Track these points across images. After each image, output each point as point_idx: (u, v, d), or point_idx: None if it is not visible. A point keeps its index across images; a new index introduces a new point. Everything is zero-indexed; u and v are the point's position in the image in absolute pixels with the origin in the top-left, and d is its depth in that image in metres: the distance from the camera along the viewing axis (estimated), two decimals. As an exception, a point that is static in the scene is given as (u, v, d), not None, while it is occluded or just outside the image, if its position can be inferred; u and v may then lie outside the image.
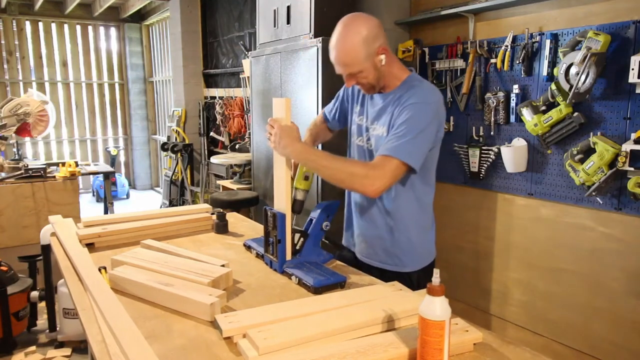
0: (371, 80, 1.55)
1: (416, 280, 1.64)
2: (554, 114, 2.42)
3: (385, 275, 1.61)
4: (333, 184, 1.49)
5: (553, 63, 2.46)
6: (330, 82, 2.82)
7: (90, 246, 1.79)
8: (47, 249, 2.77)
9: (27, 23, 7.25)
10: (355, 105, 1.75)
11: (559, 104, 2.40)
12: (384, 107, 1.60)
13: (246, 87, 4.69)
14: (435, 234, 1.75)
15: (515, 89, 2.64)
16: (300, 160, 1.51)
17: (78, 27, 7.69)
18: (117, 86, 8.13)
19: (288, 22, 3.19)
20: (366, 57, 1.49)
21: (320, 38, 2.81)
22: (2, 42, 7.05)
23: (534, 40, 2.55)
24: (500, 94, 2.72)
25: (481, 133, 2.89)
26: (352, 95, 1.78)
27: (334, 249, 1.72)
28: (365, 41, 1.48)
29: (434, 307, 0.94)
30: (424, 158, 1.51)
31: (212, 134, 5.70)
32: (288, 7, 3.17)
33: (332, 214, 1.61)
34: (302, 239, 1.58)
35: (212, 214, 2.11)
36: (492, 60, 2.76)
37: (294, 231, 1.56)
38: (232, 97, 5.26)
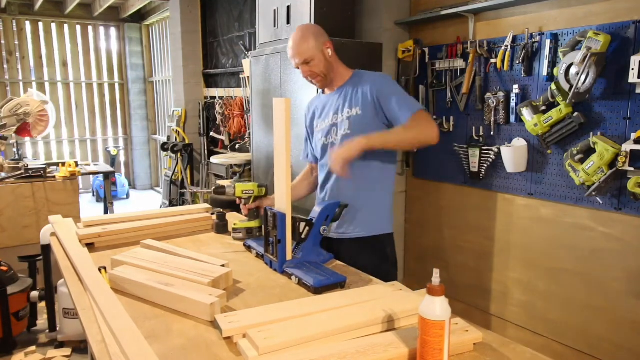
0: (322, 69, 1.84)
1: (388, 247, 1.90)
2: (554, 114, 2.42)
3: (360, 243, 1.85)
4: (405, 150, 1.84)
5: (553, 63, 2.46)
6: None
7: (90, 246, 1.79)
8: (47, 249, 2.77)
9: (27, 23, 7.25)
10: (316, 121, 1.99)
11: (559, 104, 2.40)
12: (344, 96, 1.86)
13: (246, 87, 4.69)
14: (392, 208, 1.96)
15: (515, 89, 2.64)
16: (374, 145, 1.67)
17: (78, 27, 7.69)
18: (117, 86, 8.13)
19: (288, 22, 3.19)
20: (316, 46, 1.82)
21: (320, 38, 2.81)
22: (2, 42, 7.05)
23: (534, 40, 2.55)
24: (500, 94, 2.72)
25: (481, 133, 2.89)
26: (311, 119, 2.04)
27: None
28: (314, 34, 1.83)
29: (434, 307, 0.94)
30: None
31: (212, 134, 5.70)
32: (288, 7, 3.17)
33: (332, 214, 1.61)
34: (307, 228, 1.58)
35: (212, 214, 2.11)
36: (492, 60, 2.76)
37: (299, 220, 1.56)
38: (232, 97, 5.26)
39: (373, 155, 1.79)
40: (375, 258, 1.84)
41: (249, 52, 3.83)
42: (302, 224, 1.57)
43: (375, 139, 1.68)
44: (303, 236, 1.57)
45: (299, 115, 3.05)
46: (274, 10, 3.32)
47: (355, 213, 1.84)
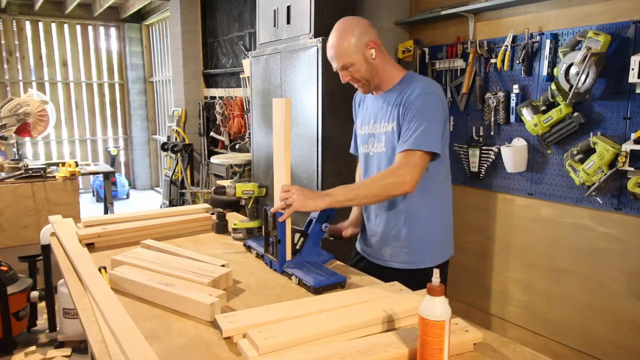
0: (364, 74, 1.61)
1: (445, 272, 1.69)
2: (554, 114, 2.42)
3: (402, 274, 1.63)
4: (378, 204, 1.60)
5: (553, 63, 2.46)
6: (330, 83, 2.82)
7: (90, 246, 1.79)
8: (47, 249, 2.77)
9: (27, 23, 7.25)
10: (358, 121, 1.81)
11: (559, 104, 2.40)
12: (386, 103, 1.64)
13: (246, 87, 4.69)
14: (452, 231, 1.76)
15: (515, 89, 2.64)
16: (337, 206, 1.49)
17: (78, 27, 7.69)
18: (117, 86, 8.13)
19: (288, 22, 3.19)
20: (356, 49, 1.57)
21: (320, 38, 2.81)
22: (2, 42, 7.05)
23: (534, 40, 2.55)
24: (500, 94, 2.72)
25: (481, 133, 2.89)
26: (355, 114, 1.86)
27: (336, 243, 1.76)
28: (354, 34, 1.57)
29: (434, 307, 0.94)
30: (441, 141, 1.55)
31: (212, 134, 5.70)
32: (288, 7, 3.17)
33: (332, 214, 1.61)
34: (302, 239, 1.58)
35: (212, 214, 2.11)
36: (492, 60, 2.76)
37: (293, 231, 1.56)
38: (232, 97, 5.26)
39: (429, 179, 1.58)
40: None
41: (249, 52, 3.83)
42: (297, 235, 1.57)
43: (340, 197, 1.46)
44: (298, 247, 1.58)
45: (299, 115, 3.05)
46: (274, 10, 3.32)
47: (404, 241, 1.65)
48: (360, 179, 1.86)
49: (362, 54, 1.58)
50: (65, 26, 7.57)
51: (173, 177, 6.10)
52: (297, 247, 1.58)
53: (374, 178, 1.52)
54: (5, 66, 7.09)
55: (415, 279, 1.58)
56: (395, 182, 1.46)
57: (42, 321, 3.24)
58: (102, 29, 7.90)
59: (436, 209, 1.67)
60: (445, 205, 1.71)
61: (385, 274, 1.64)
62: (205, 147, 5.91)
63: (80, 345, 2.94)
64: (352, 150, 1.93)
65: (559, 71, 2.33)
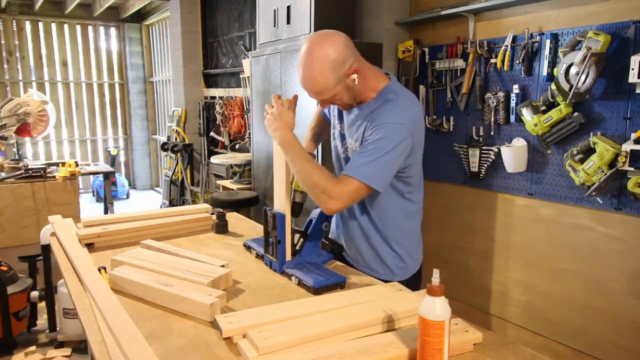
0: (346, 100, 1.51)
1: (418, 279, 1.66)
2: (554, 114, 2.42)
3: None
4: (300, 181, 1.48)
5: (553, 63, 2.46)
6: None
7: (90, 246, 1.79)
8: (47, 249, 2.77)
9: (27, 23, 7.25)
10: (333, 120, 1.74)
11: (559, 104, 2.40)
12: (357, 119, 1.55)
13: (246, 87, 4.69)
14: (422, 240, 1.73)
15: (515, 89, 2.64)
16: (282, 147, 1.47)
17: (78, 27, 7.69)
18: (117, 86, 8.13)
19: (288, 22, 3.19)
20: (336, 82, 1.42)
21: (320, 38, 2.81)
22: (2, 42, 7.05)
23: (534, 40, 2.55)
24: (500, 94, 2.72)
25: (481, 133, 2.89)
26: (330, 111, 1.78)
27: (333, 248, 1.73)
28: (333, 67, 1.40)
29: (434, 307, 0.94)
30: (390, 178, 1.47)
31: (212, 134, 5.70)
32: (288, 7, 3.17)
33: (332, 214, 1.61)
34: (301, 240, 1.58)
35: (212, 214, 2.11)
36: (492, 60, 2.76)
37: (293, 232, 1.56)
38: (232, 97, 5.26)
39: (395, 194, 1.56)
40: None
41: (249, 52, 3.83)
42: (297, 235, 1.57)
43: (291, 151, 1.44)
44: (297, 247, 1.57)
45: (299, 115, 3.05)
46: (274, 10, 3.32)
47: (378, 256, 1.64)
48: (319, 122, 1.85)
49: (343, 83, 1.44)
50: (65, 26, 7.57)
51: (173, 177, 6.11)
52: (297, 247, 1.57)
53: (317, 172, 1.41)
54: (5, 66, 7.09)
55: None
56: (321, 195, 1.39)
57: (42, 321, 3.24)
58: (102, 29, 7.90)
59: (409, 226, 1.63)
60: (417, 220, 1.66)
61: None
62: (205, 147, 5.91)
63: (80, 345, 2.94)
64: (321, 108, 1.85)
65: (559, 71, 2.33)
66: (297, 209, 1.63)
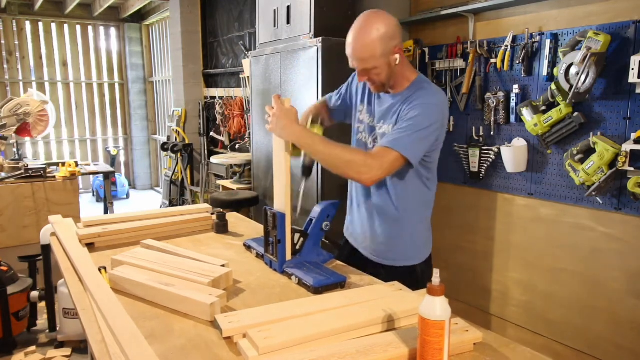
0: (383, 78, 1.56)
1: (420, 273, 1.71)
2: (554, 114, 2.42)
3: (391, 270, 1.67)
4: (327, 169, 1.51)
5: (553, 63, 2.46)
6: (331, 82, 2.82)
7: (90, 246, 1.79)
8: (47, 249, 2.77)
9: (27, 23, 7.25)
10: (360, 104, 1.77)
11: (559, 104, 2.40)
12: (392, 106, 1.61)
13: (246, 87, 4.69)
14: (431, 231, 1.81)
15: (515, 89, 2.64)
16: (297, 143, 1.51)
17: (78, 27, 7.69)
18: (117, 86, 8.13)
19: (288, 22, 3.19)
20: (382, 54, 1.50)
21: (320, 38, 2.81)
22: (2, 42, 7.05)
23: (534, 40, 2.55)
24: (500, 94, 2.72)
25: (481, 133, 2.89)
26: (357, 92, 1.79)
27: (333, 249, 1.74)
28: (383, 39, 1.49)
29: (434, 307, 0.94)
30: (423, 154, 1.55)
31: (212, 134, 5.70)
32: (288, 7, 3.17)
33: (332, 214, 1.61)
34: (302, 239, 1.58)
35: (212, 214, 2.11)
36: (492, 60, 2.76)
37: (293, 231, 1.56)
38: (232, 97, 5.26)
39: (415, 177, 1.62)
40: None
41: (249, 52, 3.83)
42: (297, 235, 1.57)
43: (308, 142, 1.48)
44: (298, 247, 1.58)
45: (299, 114, 3.05)
46: (274, 10, 3.32)
47: (395, 240, 1.69)
48: (316, 107, 1.88)
49: (387, 59, 1.52)
50: (65, 26, 7.56)
51: (173, 177, 6.11)
52: (297, 247, 1.58)
53: (347, 150, 1.50)
54: (5, 66, 7.09)
55: (407, 275, 1.63)
56: (360, 168, 1.45)
57: (42, 321, 3.24)
58: (102, 29, 7.90)
59: (424, 212, 1.72)
60: (430, 207, 1.74)
61: (378, 269, 1.69)
62: (205, 147, 5.92)
63: (80, 345, 2.94)
64: (327, 97, 1.92)
65: (559, 71, 2.33)
66: (307, 172, 1.66)
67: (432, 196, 1.73)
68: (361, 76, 1.58)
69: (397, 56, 1.53)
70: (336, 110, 1.89)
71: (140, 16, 7.79)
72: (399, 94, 1.61)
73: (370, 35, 1.49)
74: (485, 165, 2.88)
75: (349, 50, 1.54)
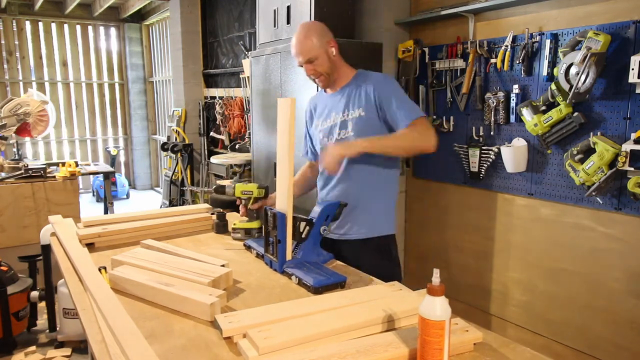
0: (326, 68, 1.83)
1: (391, 246, 1.90)
2: (554, 114, 2.42)
3: (362, 243, 1.84)
4: (400, 155, 1.88)
5: (553, 63, 2.46)
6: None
7: (90, 246, 1.79)
8: (47, 249, 2.77)
9: (27, 23, 7.25)
10: (316, 121, 1.98)
11: (559, 104, 2.40)
12: (347, 96, 1.84)
13: (246, 87, 4.69)
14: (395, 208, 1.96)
15: (515, 89, 2.64)
16: (369, 151, 1.69)
17: (78, 27, 7.69)
18: (117, 86, 8.13)
19: (288, 22, 3.19)
20: (319, 45, 1.81)
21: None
22: (2, 42, 7.05)
23: (534, 40, 2.55)
24: (500, 94, 2.72)
25: (481, 133, 2.89)
26: (310, 118, 2.04)
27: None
28: (318, 33, 1.82)
29: (434, 307, 0.94)
30: None
31: (212, 134, 5.70)
32: (288, 7, 3.17)
33: (332, 214, 1.61)
34: (307, 228, 1.57)
35: (212, 214, 2.11)
36: (492, 60, 2.76)
37: (299, 220, 1.56)
38: (232, 97, 5.26)
39: (377, 157, 1.78)
40: (379, 258, 1.84)
41: (249, 52, 3.83)
42: (303, 224, 1.57)
43: (375, 143, 1.69)
44: (303, 236, 1.57)
45: (299, 115, 3.05)
46: (274, 10, 3.32)
47: (358, 214, 1.84)
48: (304, 180, 2.08)
49: (324, 50, 1.81)
50: (65, 26, 7.57)
51: (173, 177, 6.10)
52: (303, 235, 1.57)
53: (403, 134, 1.70)
54: (5, 66, 7.09)
55: (370, 247, 1.84)
56: (423, 139, 1.69)
57: (42, 321, 3.24)
58: (102, 29, 7.90)
59: (387, 185, 1.89)
60: (394, 180, 1.93)
61: (337, 247, 1.84)
62: (205, 147, 5.91)
63: (80, 345, 2.94)
64: (302, 154, 2.13)
65: (559, 71, 2.33)
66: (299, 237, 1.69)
67: (396, 174, 1.92)
68: (308, 70, 1.84)
69: (333, 49, 1.83)
70: (316, 151, 2.05)
71: (140, 16, 7.79)
72: (347, 85, 1.86)
73: (306, 33, 1.82)
74: (485, 165, 2.88)
75: (294, 51, 1.84)
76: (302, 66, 1.86)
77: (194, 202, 5.79)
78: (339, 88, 1.89)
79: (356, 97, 1.81)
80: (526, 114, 2.53)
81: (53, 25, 7.47)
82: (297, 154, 2.14)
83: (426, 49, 3.12)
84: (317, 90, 2.12)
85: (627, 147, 2.13)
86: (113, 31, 7.98)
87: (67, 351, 2.90)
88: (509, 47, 2.63)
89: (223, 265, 1.49)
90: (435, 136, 1.71)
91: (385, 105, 1.75)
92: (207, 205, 2.22)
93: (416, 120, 1.70)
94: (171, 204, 6.09)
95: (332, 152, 1.64)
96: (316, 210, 1.61)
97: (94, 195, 7.61)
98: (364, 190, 1.84)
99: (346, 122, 1.83)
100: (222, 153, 5.42)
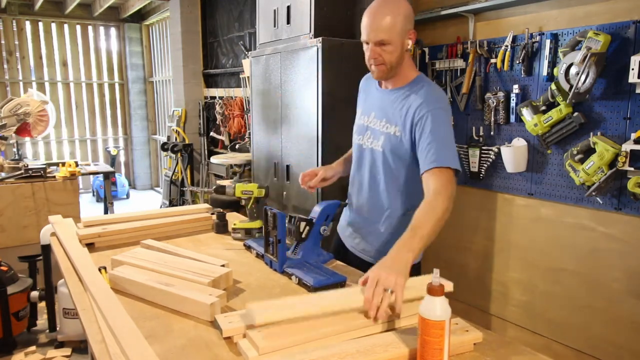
0: (393, 60, 1.53)
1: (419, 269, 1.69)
2: (554, 114, 2.42)
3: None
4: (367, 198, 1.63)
5: (553, 63, 2.46)
6: (330, 82, 2.82)
7: (90, 246, 1.79)
8: (47, 249, 2.77)
9: (27, 23, 7.25)
10: (361, 106, 1.78)
11: (559, 104, 2.40)
12: (393, 102, 1.60)
13: (246, 87, 4.69)
14: None
15: (515, 89, 2.64)
16: (422, 250, 1.30)
17: (78, 27, 7.69)
18: (117, 86, 8.13)
19: (288, 22, 3.19)
20: (401, 31, 1.50)
21: (320, 38, 2.81)
22: (2, 42, 7.05)
23: (534, 40, 2.55)
24: (500, 94, 2.72)
25: (481, 133, 2.89)
26: (359, 100, 1.81)
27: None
28: (406, 17, 1.51)
29: (434, 307, 0.94)
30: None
31: (212, 134, 5.70)
32: (288, 7, 3.17)
33: (332, 214, 1.61)
34: (307, 228, 1.57)
35: (212, 214, 2.11)
36: (492, 60, 2.76)
37: (299, 219, 1.56)
38: (232, 97, 5.26)
39: (404, 187, 1.60)
40: None
41: (249, 52, 3.83)
42: (303, 224, 1.57)
43: (417, 247, 1.26)
44: (303, 235, 1.57)
45: (299, 115, 3.05)
46: (274, 10, 3.32)
47: (384, 238, 1.65)
48: (352, 164, 1.81)
49: (402, 38, 1.51)
50: (65, 26, 7.56)
51: (173, 177, 6.10)
52: (303, 235, 1.57)
53: (431, 212, 1.34)
54: (5, 66, 7.09)
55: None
56: (447, 210, 1.35)
57: (42, 321, 3.24)
58: (102, 29, 7.90)
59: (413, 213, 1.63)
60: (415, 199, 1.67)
61: (363, 266, 1.60)
62: (205, 147, 5.91)
63: (80, 345, 2.94)
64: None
65: (559, 71, 2.33)
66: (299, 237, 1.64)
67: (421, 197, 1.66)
68: (373, 52, 1.52)
69: (410, 42, 1.53)
70: None
71: (140, 16, 7.79)
72: (400, 89, 1.60)
73: (395, 8, 1.48)
74: (485, 165, 2.88)
75: (368, 20, 1.49)
76: (367, 43, 1.53)
77: (194, 202, 5.79)
78: (392, 87, 1.63)
79: (398, 108, 1.57)
80: (526, 114, 2.53)
81: (53, 25, 7.47)
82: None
83: (426, 49, 3.12)
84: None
85: (627, 147, 2.13)
86: (113, 31, 7.98)
87: (67, 351, 2.90)
88: (509, 47, 2.63)
89: (223, 265, 1.49)
90: (454, 196, 1.40)
91: (419, 133, 1.49)
92: (207, 205, 2.22)
93: (443, 170, 1.40)
94: (171, 204, 6.09)
95: (389, 282, 1.15)
96: (316, 210, 1.61)
97: (94, 195, 7.62)
98: (393, 211, 1.64)
99: (380, 133, 1.62)
100: (222, 153, 5.42)
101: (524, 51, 2.55)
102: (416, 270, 1.67)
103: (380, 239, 1.68)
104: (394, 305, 1.13)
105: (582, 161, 2.33)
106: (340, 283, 1.43)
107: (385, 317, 1.13)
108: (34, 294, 3.05)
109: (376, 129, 1.64)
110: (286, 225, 1.54)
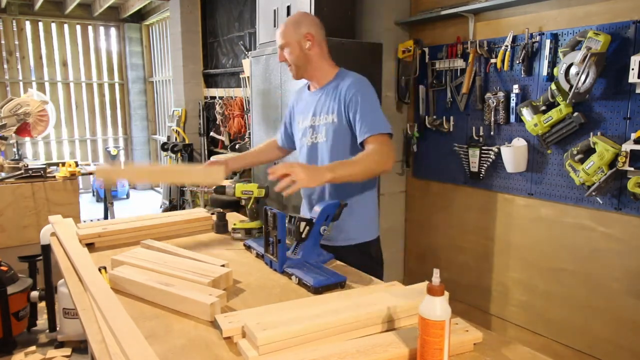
0: (295, 59, 1.82)
1: (375, 250, 1.89)
2: (554, 114, 2.42)
3: (346, 251, 1.79)
4: (364, 180, 1.71)
5: (553, 63, 2.46)
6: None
7: (90, 246, 1.79)
8: (47, 249, 2.77)
9: (27, 23, 7.24)
10: (297, 116, 1.98)
11: (559, 104, 2.40)
12: (324, 96, 1.82)
13: (246, 87, 4.69)
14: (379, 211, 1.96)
15: (515, 89, 2.64)
16: (337, 180, 1.59)
17: (78, 27, 7.69)
18: (117, 86, 8.12)
19: (288, 22, 3.19)
20: (294, 34, 1.79)
21: (320, 38, 2.81)
22: (2, 42, 7.04)
23: (534, 40, 2.55)
24: (500, 94, 2.72)
25: (481, 133, 2.89)
26: (294, 109, 2.03)
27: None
28: (295, 22, 1.81)
29: (434, 307, 0.94)
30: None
31: (212, 134, 5.70)
32: (288, 7, 3.17)
33: (331, 214, 1.61)
34: (307, 228, 1.57)
35: (212, 214, 2.11)
36: (492, 60, 2.76)
37: (299, 219, 1.56)
38: (232, 97, 5.26)
39: None
40: (362, 259, 1.78)
41: (249, 52, 3.83)
42: (303, 224, 1.57)
43: (338, 173, 1.55)
44: (303, 236, 1.57)
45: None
46: (274, 10, 3.32)
47: (343, 222, 1.75)
48: (262, 151, 2.18)
49: (297, 40, 1.79)
50: (65, 26, 7.56)
51: (173, 177, 6.09)
52: (303, 235, 1.57)
53: (364, 158, 1.61)
54: (5, 66, 7.09)
55: (357, 253, 1.79)
56: (383, 164, 1.62)
57: (42, 321, 3.24)
58: (102, 29, 7.89)
59: (372, 190, 1.88)
60: (371, 186, 1.89)
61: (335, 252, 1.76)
62: (205, 147, 5.91)
63: (80, 345, 2.94)
64: (280, 142, 2.14)
65: (559, 71, 2.33)
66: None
67: (373, 181, 1.87)
68: (279, 56, 1.85)
69: (308, 43, 1.79)
70: (286, 139, 2.10)
71: (140, 16, 7.79)
72: (326, 86, 1.84)
73: (288, 20, 1.85)
74: (485, 165, 2.88)
75: (276, 33, 1.85)
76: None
77: (194, 202, 5.79)
78: (319, 87, 1.87)
79: (331, 100, 1.78)
80: (526, 114, 2.53)
81: (53, 25, 7.46)
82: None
83: (426, 49, 3.12)
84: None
85: (627, 147, 2.13)
86: (113, 31, 7.98)
87: (67, 351, 2.90)
88: (509, 47, 2.63)
89: (223, 265, 1.49)
90: (393, 156, 1.67)
91: (351, 111, 1.70)
92: (204, 210, 2.22)
93: (377, 136, 1.64)
94: (171, 204, 6.09)
95: (298, 176, 1.47)
96: (316, 210, 1.60)
97: (94, 195, 7.61)
98: (346, 197, 1.78)
99: (320, 126, 1.82)
100: (222, 153, 5.42)
101: (524, 51, 2.55)
102: (372, 246, 1.87)
103: (353, 222, 1.82)
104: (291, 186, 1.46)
105: (582, 161, 2.33)
106: (340, 283, 1.43)
107: (283, 185, 1.48)
108: (34, 294, 3.05)
109: (317, 125, 1.83)
110: (286, 225, 1.54)
